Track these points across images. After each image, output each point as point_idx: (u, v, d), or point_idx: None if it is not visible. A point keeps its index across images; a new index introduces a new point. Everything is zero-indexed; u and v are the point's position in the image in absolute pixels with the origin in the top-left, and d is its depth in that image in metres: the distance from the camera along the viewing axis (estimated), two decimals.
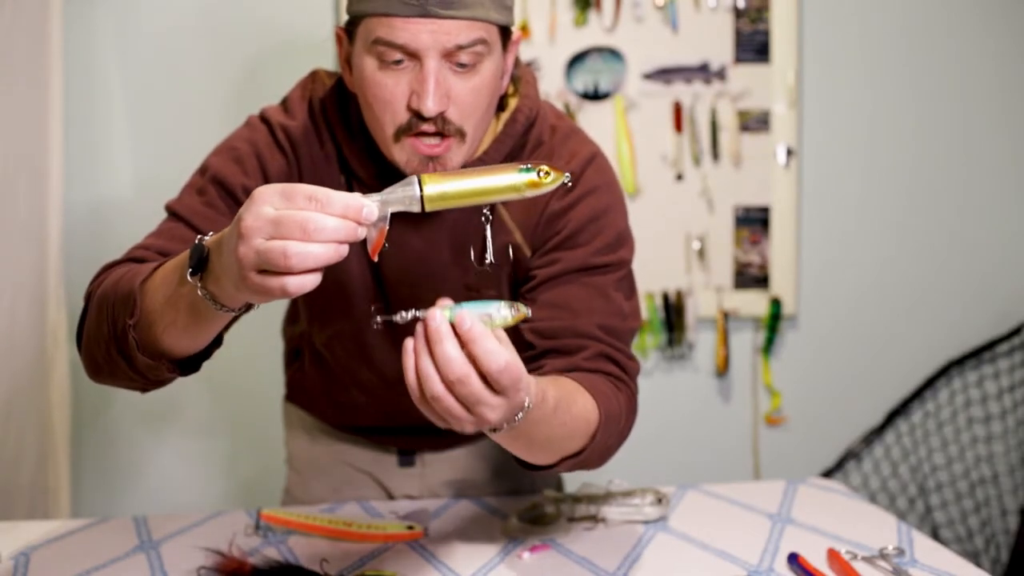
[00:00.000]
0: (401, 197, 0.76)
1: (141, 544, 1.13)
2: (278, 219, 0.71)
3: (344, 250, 0.73)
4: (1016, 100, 2.31)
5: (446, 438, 1.34)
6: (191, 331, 0.87)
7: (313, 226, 0.70)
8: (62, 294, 1.90)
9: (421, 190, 0.76)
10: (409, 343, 0.75)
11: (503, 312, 0.77)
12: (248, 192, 0.99)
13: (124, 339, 0.89)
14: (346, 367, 1.25)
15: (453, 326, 0.74)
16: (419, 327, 0.75)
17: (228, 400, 2.12)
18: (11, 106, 1.73)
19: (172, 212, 1.06)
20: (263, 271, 0.72)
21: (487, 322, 0.75)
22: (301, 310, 1.29)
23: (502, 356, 0.73)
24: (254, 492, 2.10)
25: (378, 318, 0.79)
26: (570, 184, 1.08)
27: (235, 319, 0.87)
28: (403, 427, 1.32)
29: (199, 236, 0.81)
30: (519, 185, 0.78)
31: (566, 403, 0.91)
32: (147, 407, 2.09)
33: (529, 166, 0.78)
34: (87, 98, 2.01)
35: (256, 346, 1.93)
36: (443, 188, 0.77)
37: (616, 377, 1.04)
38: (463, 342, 0.73)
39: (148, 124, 2.05)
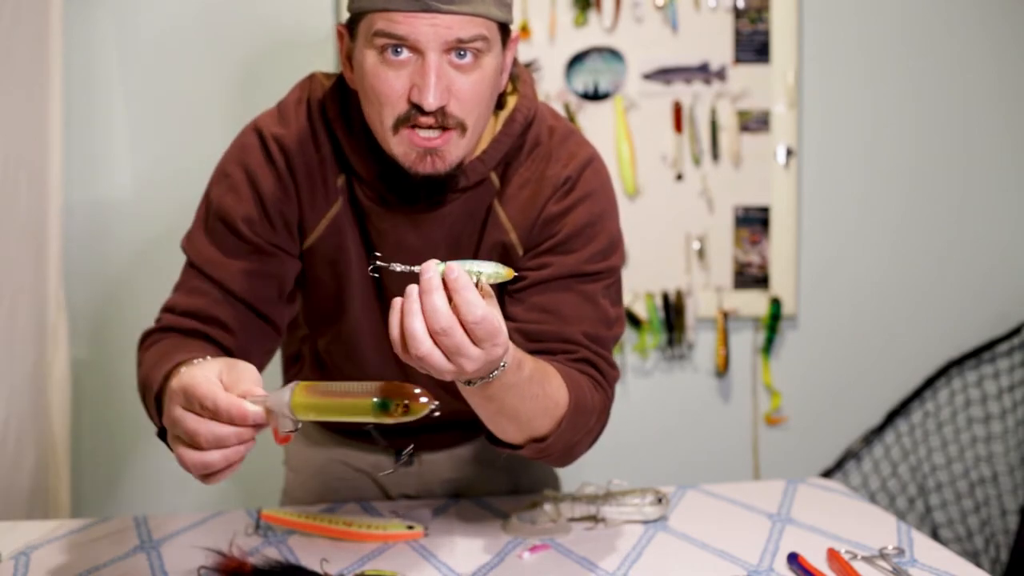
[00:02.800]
0: (282, 401, 0.79)
1: (141, 544, 1.13)
2: (177, 423, 0.79)
3: (245, 449, 0.78)
4: (1016, 100, 2.31)
5: (445, 438, 1.34)
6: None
7: (202, 438, 0.77)
8: (62, 295, 1.89)
9: (290, 401, 0.79)
10: (397, 302, 0.80)
11: (489, 269, 0.81)
12: (248, 222, 1.07)
13: (161, 435, 0.95)
14: (345, 371, 1.25)
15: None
16: (408, 290, 0.79)
17: None
18: (11, 107, 1.73)
19: (189, 261, 1.10)
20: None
21: (476, 275, 0.80)
22: (302, 312, 1.29)
23: (479, 308, 0.78)
24: (254, 492, 2.10)
25: (377, 264, 0.84)
26: (567, 187, 1.09)
27: None
28: (401, 430, 1.32)
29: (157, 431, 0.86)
30: (371, 415, 0.78)
31: (540, 377, 0.94)
32: None
33: (388, 401, 0.77)
34: (87, 99, 2.01)
35: None
36: (308, 403, 0.79)
37: (595, 380, 1.05)
38: (449, 293, 0.78)
39: (148, 124, 2.05)
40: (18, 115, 1.76)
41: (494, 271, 0.81)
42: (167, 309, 1.08)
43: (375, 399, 0.77)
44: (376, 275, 0.86)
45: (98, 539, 1.15)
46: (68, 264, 1.92)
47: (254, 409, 0.78)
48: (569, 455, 1.05)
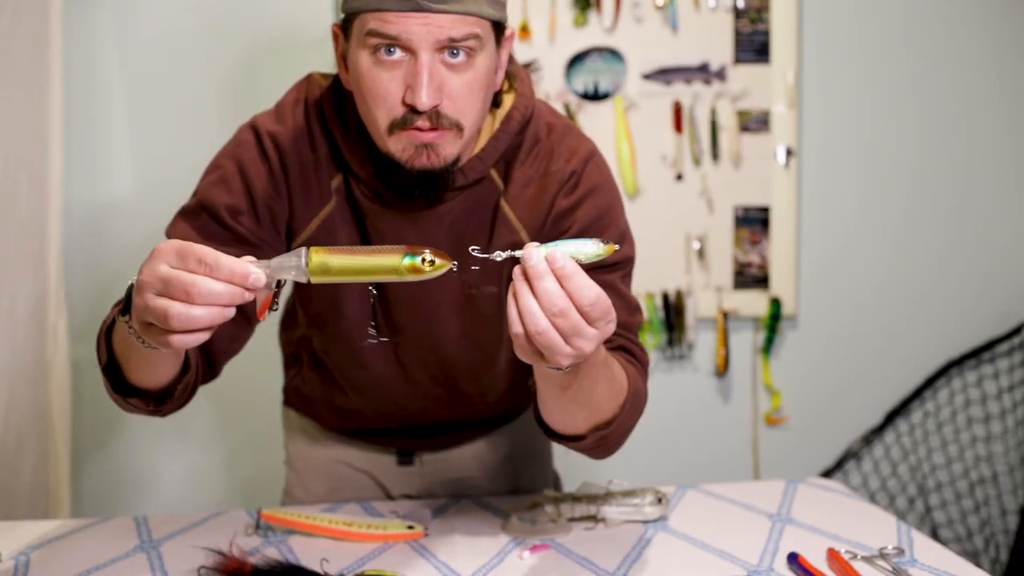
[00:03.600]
0: (288, 266, 0.80)
1: (141, 544, 1.13)
2: (167, 278, 0.76)
3: (229, 312, 0.77)
4: (1016, 100, 2.31)
5: (445, 438, 1.34)
6: (144, 367, 0.92)
7: (197, 291, 0.75)
8: (62, 295, 1.89)
9: (307, 262, 0.80)
10: (512, 289, 0.80)
11: (590, 248, 0.81)
12: (232, 212, 1.05)
13: (105, 381, 0.96)
14: (344, 371, 1.25)
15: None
16: (516, 273, 0.80)
17: (228, 400, 2.12)
18: (11, 107, 1.73)
19: None
20: (150, 323, 0.78)
21: (578, 255, 0.80)
22: (299, 314, 1.29)
23: (592, 290, 0.78)
24: (254, 492, 2.10)
25: (475, 256, 0.85)
26: (573, 182, 1.09)
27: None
28: (401, 427, 1.32)
29: (131, 281, 0.84)
30: (400, 268, 0.81)
31: (610, 362, 0.96)
32: None
33: (414, 254, 0.80)
34: (87, 99, 2.01)
35: (256, 347, 1.93)
36: (327, 263, 0.80)
37: (635, 366, 1.06)
38: (558, 278, 0.78)
39: (148, 125, 2.05)
40: (18, 115, 1.76)
41: (594, 251, 0.81)
42: None
43: (403, 253, 0.79)
44: (476, 267, 0.85)
45: (98, 539, 1.15)
46: (68, 264, 1.92)
47: (256, 271, 0.77)
48: (622, 441, 1.05)
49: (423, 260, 0.80)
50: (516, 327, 0.80)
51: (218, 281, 0.76)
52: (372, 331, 0.85)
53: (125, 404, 0.99)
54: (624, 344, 1.07)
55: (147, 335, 0.80)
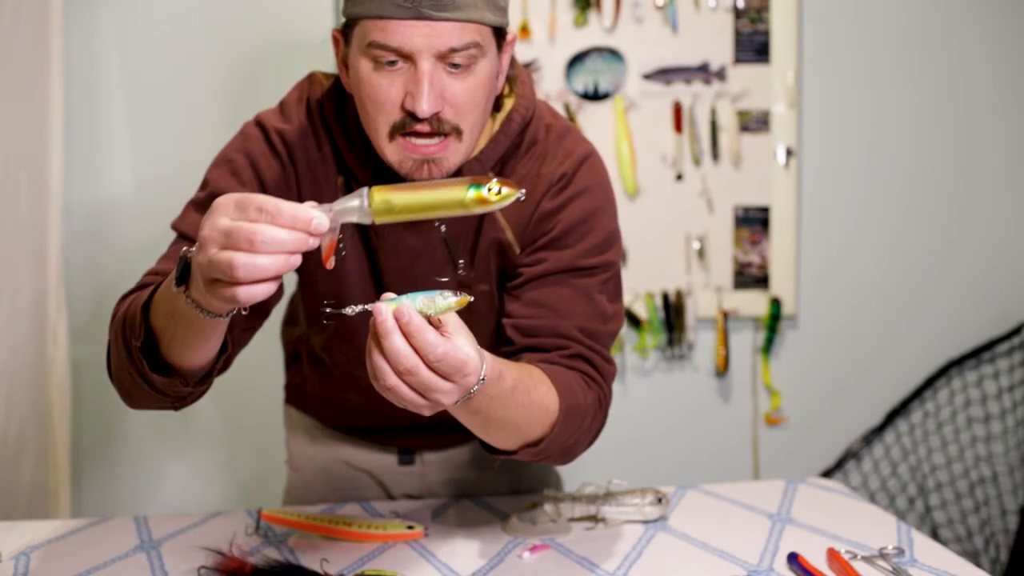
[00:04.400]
0: (350, 208, 0.79)
1: (141, 544, 1.13)
2: (229, 230, 0.74)
3: (295, 260, 0.75)
4: (1016, 100, 2.31)
5: (446, 437, 1.34)
6: (191, 341, 0.89)
7: (260, 238, 0.73)
8: (62, 294, 1.90)
9: (370, 202, 0.78)
10: (369, 337, 0.79)
11: (446, 300, 0.79)
12: None
13: (139, 362, 0.92)
14: (343, 369, 1.25)
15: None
16: (370, 324, 0.78)
17: (228, 400, 2.12)
18: (12, 107, 1.73)
19: (177, 232, 1.08)
20: (217, 279, 0.75)
21: (431, 307, 0.78)
22: (300, 312, 1.29)
23: (440, 347, 0.77)
24: (254, 492, 2.10)
25: (327, 311, 0.83)
26: (562, 184, 1.08)
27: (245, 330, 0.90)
28: (403, 427, 1.32)
29: (185, 248, 0.83)
30: (467, 201, 0.79)
31: (525, 387, 0.93)
32: None
33: (479, 184, 0.79)
34: (87, 99, 2.01)
35: (256, 347, 1.93)
36: (391, 201, 0.79)
37: (589, 377, 1.05)
38: (405, 335, 0.77)
39: (148, 125, 2.05)
40: (18, 115, 1.76)
41: (444, 304, 0.79)
42: (148, 273, 1.05)
43: (468, 184, 0.78)
44: (327, 321, 0.84)
45: (98, 539, 1.15)
46: (68, 264, 1.92)
47: (319, 214, 0.75)
48: (568, 455, 1.04)
49: (489, 190, 0.79)
50: (371, 377, 0.80)
51: (281, 228, 0.74)
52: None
53: (148, 391, 0.95)
54: (582, 352, 1.05)
55: (212, 295, 0.77)
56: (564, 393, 0.99)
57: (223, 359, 0.98)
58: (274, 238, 0.73)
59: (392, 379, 0.78)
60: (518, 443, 0.97)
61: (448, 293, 0.79)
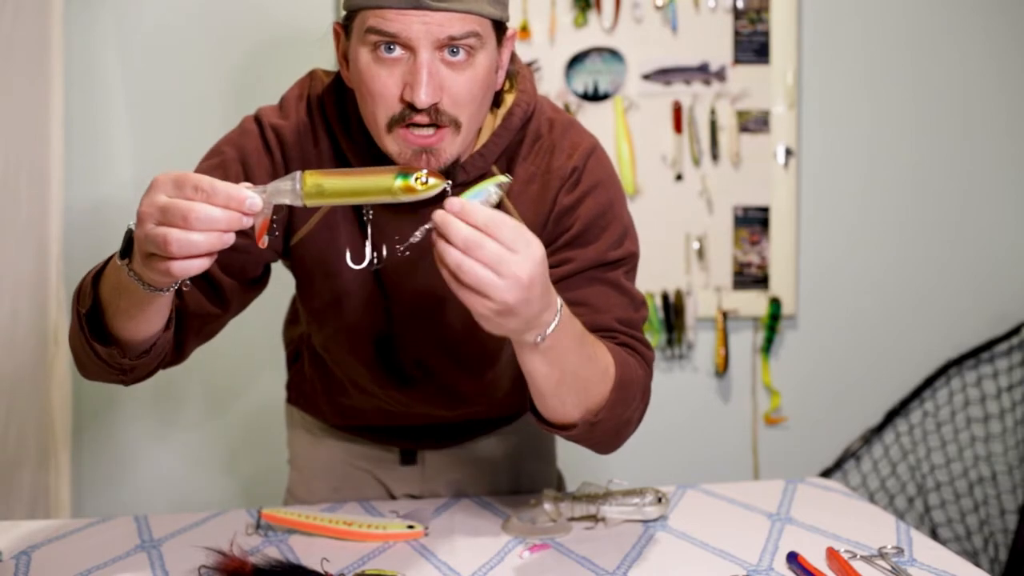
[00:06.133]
0: (283, 190, 0.82)
1: (142, 543, 1.14)
2: (165, 207, 0.78)
3: (228, 238, 0.79)
4: (1016, 100, 2.31)
5: (447, 437, 1.34)
6: (132, 314, 0.92)
7: (195, 216, 0.77)
8: (62, 294, 1.90)
9: (302, 185, 0.82)
10: (435, 242, 0.82)
11: (492, 192, 0.83)
12: None
13: (83, 330, 0.95)
14: (344, 367, 1.25)
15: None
16: (434, 235, 0.81)
17: (229, 400, 2.12)
18: (12, 106, 1.74)
19: None
20: (152, 253, 0.79)
21: (487, 204, 0.82)
22: (301, 311, 1.29)
23: (496, 217, 0.81)
24: (255, 491, 2.10)
25: (399, 248, 0.87)
26: (575, 178, 1.09)
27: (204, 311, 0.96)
28: (404, 426, 1.32)
29: (129, 223, 0.86)
30: (394, 188, 0.82)
31: (591, 340, 0.97)
32: (148, 407, 2.09)
33: (407, 173, 0.82)
34: (87, 98, 2.01)
35: (256, 347, 1.94)
36: (322, 185, 0.82)
37: (636, 359, 1.07)
38: (463, 218, 0.80)
39: (148, 124, 2.05)
40: (18, 115, 1.76)
41: (494, 187, 0.83)
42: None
43: (396, 172, 0.81)
44: (407, 252, 0.87)
45: (98, 539, 1.15)
46: (68, 264, 1.92)
47: (252, 195, 0.79)
48: (618, 436, 1.06)
49: (416, 179, 0.82)
50: (449, 280, 0.82)
51: (215, 207, 0.78)
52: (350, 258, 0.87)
53: (95, 359, 0.98)
54: (626, 341, 1.07)
55: (148, 268, 0.81)
56: (619, 361, 1.01)
57: (175, 346, 1.02)
58: (208, 216, 0.77)
59: (466, 260, 0.80)
60: (581, 409, 0.99)
61: (493, 185, 0.83)
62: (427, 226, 0.83)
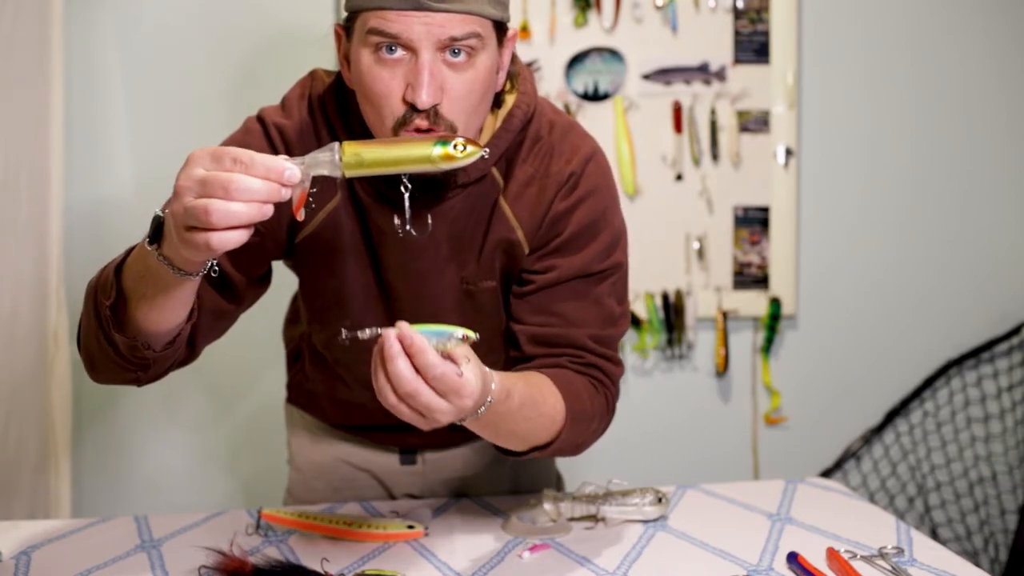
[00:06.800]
0: (322, 161, 0.83)
1: (142, 543, 1.14)
2: (204, 179, 0.78)
3: (268, 210, 0.79)
4: (1016, 100, 2.31)
5: (448, 437, 1.34)
6: (159, 302, 0.92)
7: (235, 186, 0.77)
8: (62, 294, 1.90)
9: (341, 155, 0.82)
10: (373, 358, 0.83)
11: (453, 339, 0.83)
12: None
13: (105, 323, 0.94)
14: (345, 366, 1.25)
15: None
16: (375, 349, 0.82)
17: (229, 400, 2.12)
18: (12, 106, 1.74)
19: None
20: (192, 227, 0.79)
21: (440, 346, 0.83)
22: (302, 310, 1.29)
23: (438, 368, 0.81)
24: (255, 492, 2.10)
25: (344, 333, 0.87)
26: (572, 184, 1.10)
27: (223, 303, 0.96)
28: (404, 426, 1.32)
29: (157, 210, 0.86)
30: (433, 157, 0.83)
31: (533, 401, 0.99)
32: (148, 407, 2.09)
33: (446, 141, 0.83)
34: (87, 98, 2.01)
35: (257, 347, 1.94)
36: (361, 155, 0.82)
37: (598, 381, 1.09)
38: (409, 355, 0.81)
39: (148, 124, 2.05)
40: (18, 115, 1.76)
41: (458, 336, 0.83)
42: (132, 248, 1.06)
43: (434, 140, 0.82)
44: (346, 342, 0.88)
45: (98, 539, 1.15)
46: (68, 264, 1.92)
47: (291, 166, 0.79)
48: (575, 451, 1.10)
49: (455, 146, 0.82)
50: (376, 392, 0.84)
51: (255, 178, 0.78)
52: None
53: (112, 356, 0.97)
54: (594, 362, 1.09)
55: (185, 244, 0.80)
56: (571, 401, 1.04)
57: (190, 344, 1.01)
58: (248, 187, 0.77)
59: (393, 399, 0.83)
60: (526, 447, 1.03)
61: (458, 332, 0.83)
62: (377, 331, 0.83)
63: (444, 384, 0.82)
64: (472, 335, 0.85)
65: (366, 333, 0.85)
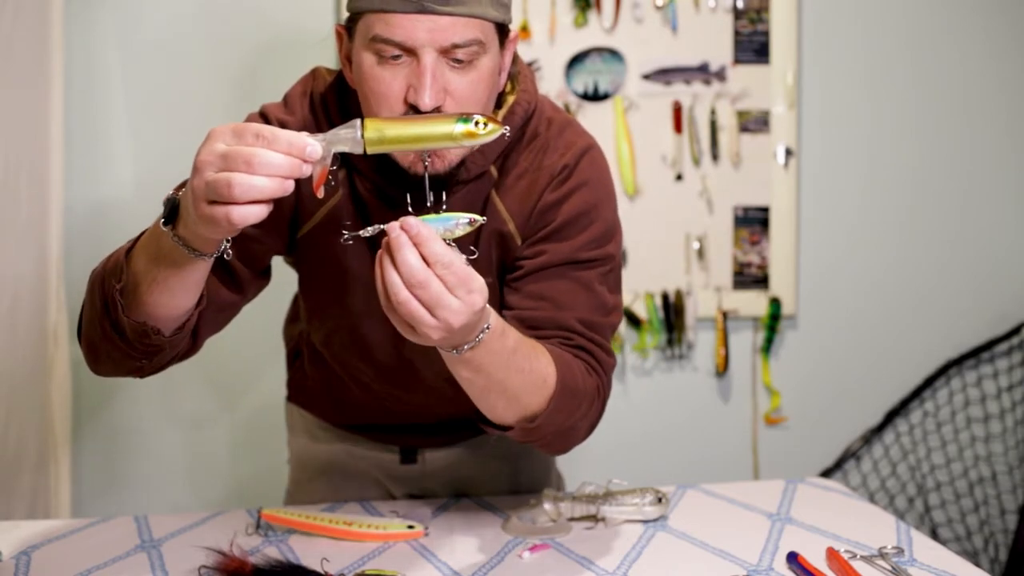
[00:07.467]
0: (343, 138, 0.83)
1: (142, 543, 1.14)
2: (226, 154, 0.78)
3: (288, 185, 0.79)
4: (1016, 100, 2.31)
5: (448, 436, 1.34)
6: (171, 285, 0.92)
7: (258, 160, 0.77)
8: (62, 294, 1.90)
9: (363, 132, 0.82)
10: (379, 255, 0.82)
11: (459, 224, 0.83)
12: None
13: (114, 308, 0.94)
14: (344, 363, 1.25)
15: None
16: (383, 244, 0.81)
17: (229, 400, 2.12)
18: (12, 106, 1.74)
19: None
20: (212, 202, 0.78)
21: (447, 234, 0.82)
22: (301, 306, 1.29)
23: (447, 255, 0.80)
24: (255, 491, 2.10)
25: (346, 233, 0.86)
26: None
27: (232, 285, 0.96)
28: (404, 425, 1.33)
29: (169, 193, 0.87)
30: (455, 134, 0.83)
31: (526, 350, 0.96)
32: (148, 406, 2.09)
33: (467, 118, 0.83)
34: (87, 98, 2.01)
35: (257, 347, 1.94)
36: (383, 132, 0.83)
37: (590, 366, 1.06)
38: (415, 244, 0.80)
39: (148, 124, 2.05)
40: (18, 115, 1.76)
41: (465, 220, 0.83)
42: (135, 239, 1.04)
43: (456, 117, 0.83)
44: (349, 242, 0.87)
45: (98, 539, 1.15)
46: (68, 264, 1.92)
47: (312, 142, 0.80)
48: (564, 440, 1.05)
49: (477, 123, 0.83)
50: (382, 298, 0.82)
51: (277, 152, 0.78)
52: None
53: (118, 344, 0.96)
54: (583, 344, 1.06)
55: (204, 220, 0.80)
56: (563, 370, 1.00)
57: (193, 335, 1.01)
58: (270, 161, 0.77)
59: (404, 293, 0.80)
60: (515, 415, 0.99)
61: (463, 217, 0.83)
62: (380, 227, 0.83)
63: (453, 274, 0.80)
64: (479, 219, 0.84)
65: (368, 231, 0.84)
